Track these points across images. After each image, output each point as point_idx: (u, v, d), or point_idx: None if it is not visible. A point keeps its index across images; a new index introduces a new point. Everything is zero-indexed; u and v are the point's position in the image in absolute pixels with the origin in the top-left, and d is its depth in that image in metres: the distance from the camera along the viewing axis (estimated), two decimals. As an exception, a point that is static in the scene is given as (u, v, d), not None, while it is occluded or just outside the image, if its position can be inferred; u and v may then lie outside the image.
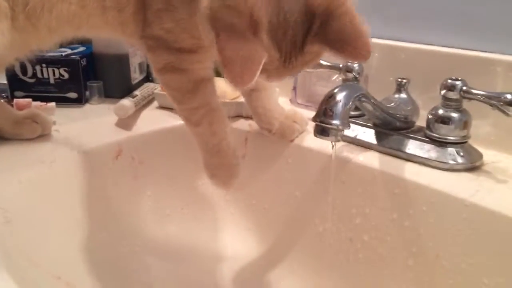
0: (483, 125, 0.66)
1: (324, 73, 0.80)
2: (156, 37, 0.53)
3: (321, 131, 0.54)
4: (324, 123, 0.54)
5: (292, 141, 0.71)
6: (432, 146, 0.61)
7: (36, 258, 0.55)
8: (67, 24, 0.53)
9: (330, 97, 0.55)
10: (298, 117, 0.72)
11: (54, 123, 0.72)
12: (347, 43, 0.42)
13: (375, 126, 0.68)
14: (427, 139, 0.62)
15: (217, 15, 0.41)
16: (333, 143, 0.59)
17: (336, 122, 0.53)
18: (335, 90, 0.55)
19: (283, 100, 0.88)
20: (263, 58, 0.40)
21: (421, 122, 0.66)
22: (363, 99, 0.58)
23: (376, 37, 0.74)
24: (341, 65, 0.70)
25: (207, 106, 0.57)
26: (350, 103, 0.55)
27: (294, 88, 0.85)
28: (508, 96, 0.54)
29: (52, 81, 0.82)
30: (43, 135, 0.68)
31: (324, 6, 0.42)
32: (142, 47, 0.56)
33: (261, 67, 0.40)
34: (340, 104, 0.54)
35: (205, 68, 0.56)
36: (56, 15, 0.52)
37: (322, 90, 0.81)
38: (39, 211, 0.59)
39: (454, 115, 0.60)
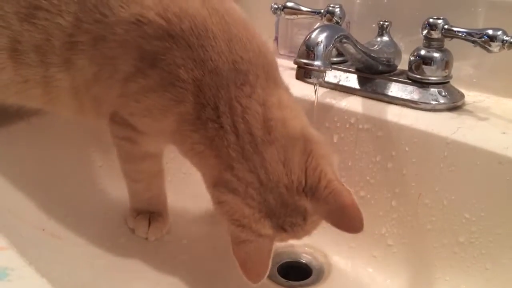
0: (465, 67, 0.66)
1: (306, 21, 0.78)
2: (123, 117, 0.55)
3: (303, 74, 0.54)
4: (305, 65, 0.53)
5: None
6: (415, 87, 0.61)
7: (19, 211, 0.54)
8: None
9: (310, 39, 0.54)
10: None
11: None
12: (339, 220, 0.47)
13: (357, 71, 0.67)
14: (410, 81, 0.62)
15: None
16: (316, 86, 0.58)
17: (317, 63, 0.53)
18: (316, 31, 0.54)
19: (265, 52, 0.87)
20: (271, 249, 0.48)
21: (403, 66, 0.66)
22: (344, 40, 0.57)
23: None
24: (322, 10, 0.69)
25: (150, 172, 0.62)
26: (332, 44, 0.54)
27: (276, 39, 0.84)
28: (490, 32, 0.54)
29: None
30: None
31: (310, 194, 0.47)
32: (107, 119, 0.57)
33: (271, 255, 0.48)
34: (321, 45, 0.54)
35: (158, 146, 0.60)
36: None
37: (304, 40, 0.79)
38: (21, 164, 0.58)
39: (436, 55, 0.60)
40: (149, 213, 0.64)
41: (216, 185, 0.49)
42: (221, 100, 0.48)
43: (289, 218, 0.48)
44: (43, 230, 0.55)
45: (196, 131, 0.49)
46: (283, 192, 0.47)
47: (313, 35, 0.54)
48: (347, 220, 0.46)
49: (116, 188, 0.69)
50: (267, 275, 0.47)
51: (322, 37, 0.54)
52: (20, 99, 0.56)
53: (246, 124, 0.48)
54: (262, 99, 0.49)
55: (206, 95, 0.48)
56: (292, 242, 0.65)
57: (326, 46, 0.54)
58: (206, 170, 0.51)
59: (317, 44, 0.54)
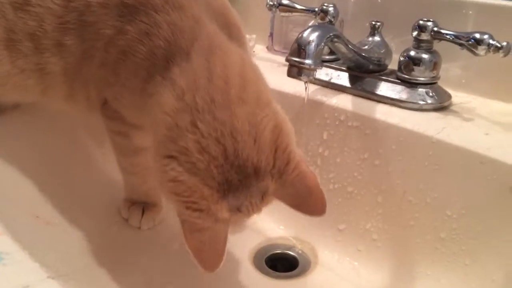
0: (454, 68, 0.67)
1: (300, 19, 0.79)
2: (115, 110, 0.56)
3: (294, 72, 0.55)
4: (297, 63, 0.54)
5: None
6: (403, 87, 0.63)
7: (13, 198, 0.56)
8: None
9: (302, 37, 0.55)
10: None
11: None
12: (302, 202, 0.45)
13: (348, 69, 0.69)
14: (399, 81, 0.64)
15: (175, 191, 0.42)
16: (306, 84, 0.60)
17: (308, 61, 0.54)
18: (308, 30, 0.56)
19: (260, 47, 0.89)
20: (227, 235, 0.43)
21: (393, 66, 0.67)
22: (336, 39, 0.58)
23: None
24: (316, 9, 0.70)
25: (145, 164, 0.61)
26: (323, 43, 0.56)
27: (271, 35, 0.85)
28: (476, 35, 0.55)
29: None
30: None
31: (277, 174, 0.43)
32: (100, 114, 0.58)
33: (226, 243, 0.43)
34: (313, 44, 0.55)
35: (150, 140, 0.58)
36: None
37: (298, 37, 0.81)
38: (17, 152, 0.59)
39: (425, 56, 0.61)
40: (143, 203, 0.66)
41: (169, 156, 0.43)
42: (198, 43, 0.46)
43: (248, 200, 0.44)
44: (37, 217, 0.56)
45: (161, 73, 0.46)
46: (250, 172, 0.42)
47: (305, 34, 0.56)
48: (311, 203, 0.45)
49: (109, 178, 0.70)
50: (221, 263, 0.43)
51: (313, 36, 0.55)
52: (17, 92, 0.57)
53: (224, 68, 0.44)
54: (240, 54, 0.48)
55: (180, 39, 0.46)
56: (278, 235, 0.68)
57: (317, 45, 0.55)
58: (159, 121, 0.44)
59: (309, 43, 0.55)
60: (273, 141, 0.43)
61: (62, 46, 0.52)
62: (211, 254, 0.43)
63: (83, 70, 0.54)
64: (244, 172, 0.42)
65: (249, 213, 0.45)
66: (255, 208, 0.45)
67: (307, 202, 0.45)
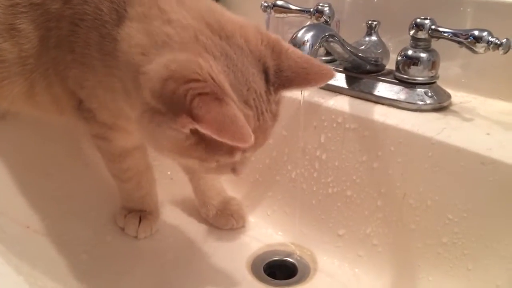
0: (453, 67, 0.66)
1: (296, 20, 0.78)
2: (89, 110, 0.54)
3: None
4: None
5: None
6: (401, 87, 0.61)
7: (3, 208, 0.54)
8: None
9: (297, 37, 0.54)
10: (236, 211, 0.68)
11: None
12: (306, 73, 0.43)
13: (345, 70, 0.67)
14: (397, 81, 0.62)
15: (171, 86, 0.38)
16: (302, 85, 0.58)
17: (303, 63, 0.53)
18: (302, 30, 0.55)
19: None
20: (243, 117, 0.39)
21: (391, 66, 0.66)
22: (331, 39, 0.57)
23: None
24: (311, 9, 0.69)
25: (135, 169, 0.61)
26: (318, 43, 0.54)
27: (267, 37, 0.84)
28: (475, 33, 0.54)
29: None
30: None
31: (269, 50, 0.43)
32: (77, 118, 0.56)
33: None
34: (307, 44, 0.54)
35: (131, 140, 0.57)
36: None
37: (294, 38, 0.79)
38: (7, 162, 0.58)
39: (423, 55, 0.60)
40: (140, 211, 0.64)
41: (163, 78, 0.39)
42: None
43: (254, 93, 0.41)
44: (28, 227, 0.55)
45: (115, 28, 0.44)
46: (240, 43, 0.41)
47: (299, 34, 0.54)
48: (316, 71, 0.43)
49: (104, 185, 0.69)
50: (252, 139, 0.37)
51: (308, 36, 0.54)
52: None
53: None
54: None
55: None
56: (276, 241, 0.66)
57: (312, 45, 0.54)
58: (129, 61, 0.42)
59: (303, 43, 0.54)
60: (253, 27, 0.44)
61: (16, 31, 0.51)
62: (236, 126, 0.37)
63: (42, 57, 0.52)
64: (236, 44, 0.41)
65: (257, 108, 0.41)
66: (263, 100, 0.41)
67: (313, 70, 0.43)
